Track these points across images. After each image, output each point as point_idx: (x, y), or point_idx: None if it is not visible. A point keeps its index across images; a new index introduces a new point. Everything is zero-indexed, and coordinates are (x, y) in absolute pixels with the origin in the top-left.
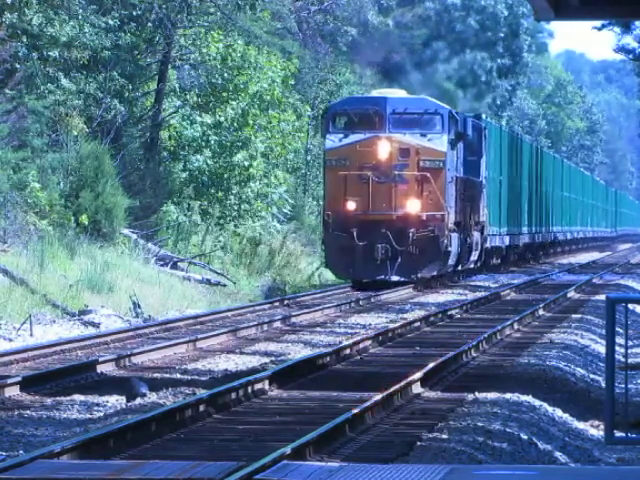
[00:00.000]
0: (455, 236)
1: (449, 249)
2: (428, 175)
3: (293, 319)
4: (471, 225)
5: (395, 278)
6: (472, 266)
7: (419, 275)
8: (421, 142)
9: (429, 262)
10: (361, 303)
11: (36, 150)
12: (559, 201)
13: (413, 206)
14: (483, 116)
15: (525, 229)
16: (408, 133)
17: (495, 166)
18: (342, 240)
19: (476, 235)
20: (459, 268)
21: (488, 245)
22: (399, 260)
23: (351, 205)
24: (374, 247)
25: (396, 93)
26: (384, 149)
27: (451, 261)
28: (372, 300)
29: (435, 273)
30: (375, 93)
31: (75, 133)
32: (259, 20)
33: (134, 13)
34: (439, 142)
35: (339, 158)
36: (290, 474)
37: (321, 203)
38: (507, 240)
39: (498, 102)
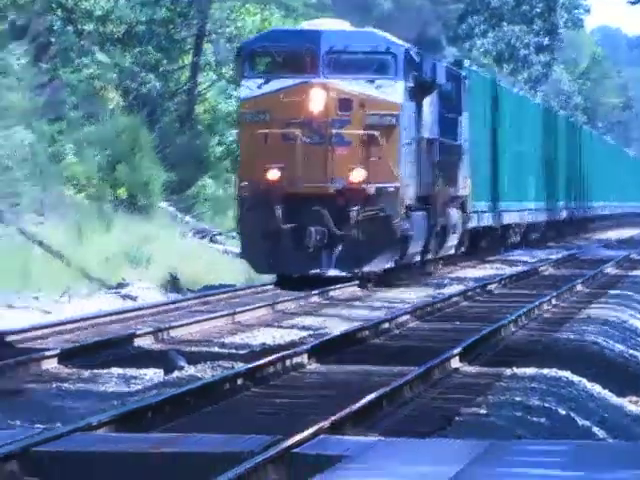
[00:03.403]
0: (419, 215)
1: (409, 233)
2: (377, 135)
3: (331, 293)
4: (446, 201)
5: (333, 272)
6: (451, 252)
7: (366, 269)
8: (367, 91)
9: (379, 251)
10: (401, 276)
11: (72, 123)
12: (578, 173)
13: (357, 176)
14: (465, 63)
15: (531, 205)
16: (350, 78)
17: (484, 126)
18: (262, 222)
19: (454, 213)
20: (429, 257)
21: (477, 224)
22: (339, 248)
23: (274, 174)
24: (305, 231)
25: (335, 25)
26: (318, 99)
27: (413, 248)
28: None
29: (389, 265)
30: (306, 25)
31: (111, 106)
32: None
33: None
34: (392, 91)
35: (257, 111)
36: (328, 448)
37: None
38: (502, 218)
39: (534, 77)
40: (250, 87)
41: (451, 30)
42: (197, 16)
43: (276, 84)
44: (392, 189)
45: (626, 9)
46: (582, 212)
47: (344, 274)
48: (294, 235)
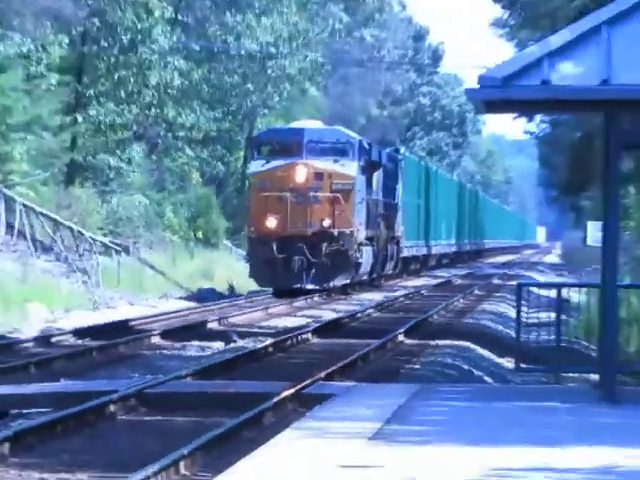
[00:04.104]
0: (368, 249)
1: (360, 260)
2: (339, 196)
3: (325, 295)
4: (387, 239)
5: (310, 286)
6: (390, 272)
7: (331, 284)
8: (333, 167)
9: (340, 272)
10: (366, 287)
11: (171, 192)
12: (474, 220)
13: (325, 223)
14: (402, 150)
15: (443, 242)
16: (322, 159)
17: (413, 191)
18: (264, 253)
19: (392, 247)
20: (374, 275)
21: (407, 254)
22: (313, 271)
23: (272, 223)
24: (292, 259)
25: (313, 124)
26: (301, 173)
27: (363, 270)
28: (374, 284)
29: (347, 281)
30: (295, 124)
31: (194, 182)
32: (306, 113)
33: (230, 109)
34: (349, 167)
35: (262, 181)
36: (324, 389)
37: None
38: (424, 250)
39: (451, 163)
40: (257, 165)
41: (402, 135)
42: (247, 126)
43: (274, 163)
44: (349, 232)
45: (509, 122)
46: (479, 246)
47: (317, 287)
48: (284, 262)
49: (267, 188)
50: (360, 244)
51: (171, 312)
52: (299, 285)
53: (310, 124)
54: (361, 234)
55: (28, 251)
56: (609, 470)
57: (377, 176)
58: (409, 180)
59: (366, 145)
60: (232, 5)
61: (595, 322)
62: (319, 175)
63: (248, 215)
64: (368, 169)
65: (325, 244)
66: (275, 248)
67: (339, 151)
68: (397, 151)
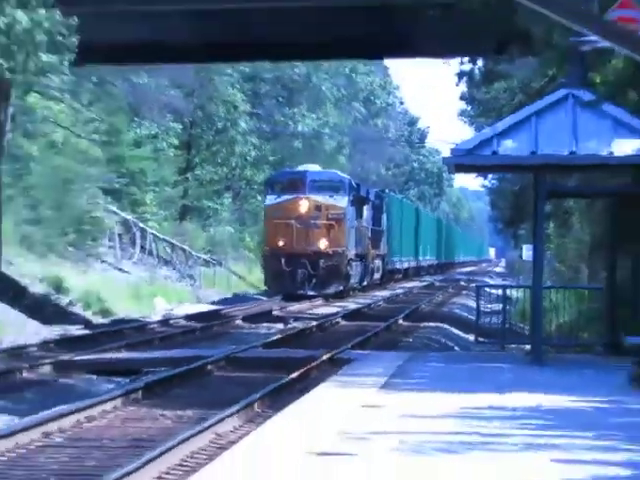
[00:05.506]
0: (357, 264)
1: (350, 273)
2: (333, 223)
3: (349, 292)
4: (374, 256)
5: (311, 293)
6: (378, 282)
7: (327, 291)
8: (329, 201)
9: (334, 282)
10: (377, 287)
11: (248, 225)
12: (448, 243)
13: (323, 244)
14: (386, 191)
15: (421, 257)
16: (320, 195)
17: (397, 220)
18: (275, 267)
19: (378, 262)
20: (365, 284)
21: (391, 267)
22: (313, 281)
23: (281, 243)
24: (296, 272)
25: (314, 168)
26: (304, 206)
27: (353, 280)
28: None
29: (340, 289)
30: (300, 168)
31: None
32: None
33: None
34: (341, 201)
35: (274, 211)
36: (350, 355)
37: None
38: (405, 264)
39: (433, 207)
40: (270, 199)
41: (400, 187)
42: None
43: (283, 197)
44: (341, 251)
45: (471, 179)
46: (451, 260)
47: (316, 294)
48: (290, 274)
49: (278, 217)
50: (350, 260)
51: (250, 304)
52: (302, 291)
53: (311, 167)
54: (351, 252)
55: (154, 264)
56: (537, 409)
57: (366, 208)
58: (393, 212)
59: (354, 184)
60: (289, 103)
61: (528, 310)
62: (318, 207)
63: (264, 237)
64: (357, 202)
65: (322, 260)
66: (284, 262)
67: (333, 188)
68: (383, 191)
